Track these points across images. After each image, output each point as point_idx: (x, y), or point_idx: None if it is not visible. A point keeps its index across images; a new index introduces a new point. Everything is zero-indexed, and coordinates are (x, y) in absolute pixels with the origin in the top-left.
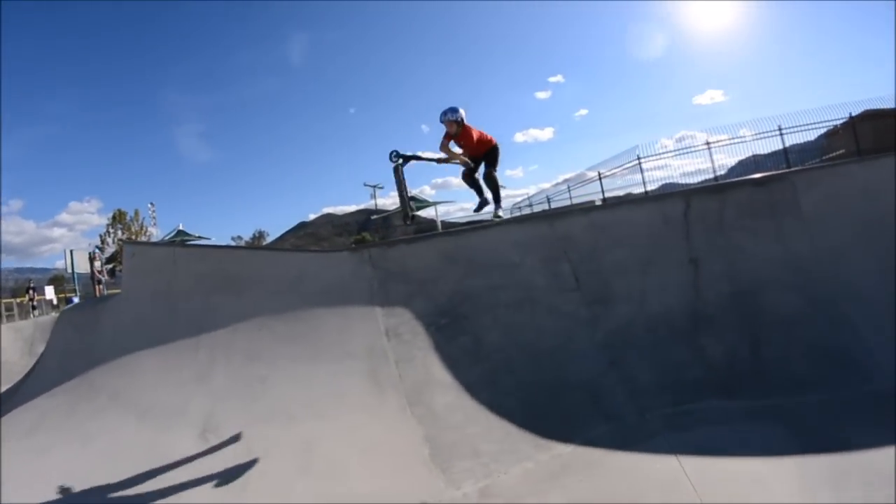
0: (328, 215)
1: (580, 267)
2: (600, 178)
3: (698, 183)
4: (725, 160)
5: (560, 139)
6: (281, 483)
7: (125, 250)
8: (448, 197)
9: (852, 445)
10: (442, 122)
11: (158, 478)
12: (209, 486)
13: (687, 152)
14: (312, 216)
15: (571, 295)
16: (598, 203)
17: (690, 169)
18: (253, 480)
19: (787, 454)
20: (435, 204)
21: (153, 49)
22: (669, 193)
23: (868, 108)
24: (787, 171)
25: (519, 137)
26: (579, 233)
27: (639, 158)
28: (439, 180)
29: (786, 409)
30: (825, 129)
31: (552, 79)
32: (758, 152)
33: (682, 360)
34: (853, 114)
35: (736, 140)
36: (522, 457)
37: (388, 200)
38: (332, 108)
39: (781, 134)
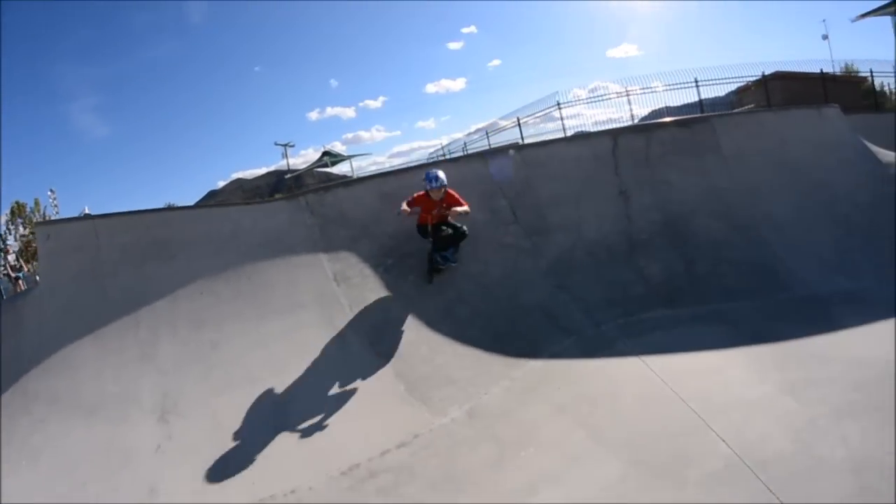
0: (238, 181)
1: (517, 201)
2: (519, 125)
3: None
4: (638, 111)
5: (472, 89)
6: (263, 450)
7: (38, 234)
8: (360, 150)
9: (785, 337)
10: (433, 187)
11: (124, 478)
12: (186, 470)
13: (604, 99)
14: (222, 183)
15: (511, 228)
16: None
17: (603, 118)
18: (232, 453)
19: (735, 347)
20: (350, 157)
21: (34, 23)
22: (598, 132)
23: (778, 69)
24: (708, 115)
25: (430, 88)
26: (512, 168)
27: (559, 104)
28: (350, 135)
29: (724, 313)
30: (737, 86)
31: (465, 29)
32: (670, 104)
33: (625, 279)
34: (765, 73)
35: (649, 90)
36: (498, 377)
37: (300, 160)
38: (236, 68)
39: (697, 86)
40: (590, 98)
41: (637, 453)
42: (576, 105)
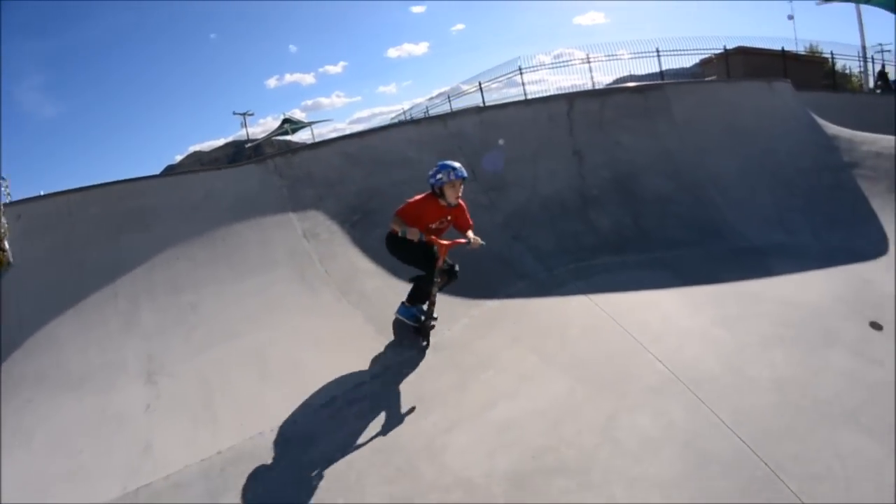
0: (196, 154)
1: (474, 160)
2: (481, 89)
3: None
4: (602, 78)
5: (435, 54)
6: (248, 395)
7: (6, 216)
8: (320, 117)
9: (722, 279)
10: (454, 179)
11: (119, 441)
12: (177, 424)
13: (566, 65)
14: (179, 157)
15: (468, 185)
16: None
17: (567, 84)
18: (220, 401)
19: (674, 287)
20: (311, 124)
21: None
22: (554, 95)
23: (742, 44)
24: (662, 82)
25: (392, 53)
26: (471, 130)
27: (520, 69)
28: (309, 102)
29: (667, 260)
30: (700, 58)
31: None
32: (636, 72)
33: (577, 230)
34: (727, 47)
35: (614, 58)
36: (459, 315)
37: (259, 129)
38: (190, 36)
39: (658, 56)
40: (553, 64)
41: (583, 372)
42: (538, 70)
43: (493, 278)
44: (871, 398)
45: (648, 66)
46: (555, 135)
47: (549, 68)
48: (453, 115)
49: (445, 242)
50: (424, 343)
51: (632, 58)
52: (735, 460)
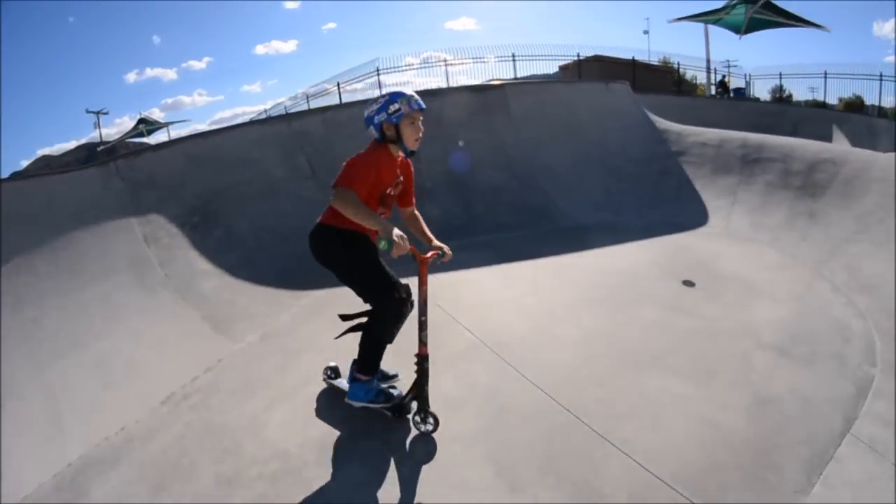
0: (45, 158)
1: (315, 158)
2: (339, 89)
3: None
4: (467, 81)
5: (304, 52)
6: (94, 403)
7: None
8: (180, 116)
9: (542, 254)
10: (414, 109)
11: None
12: (30, 442)
13: (428, 67)
14: (25, 163)
15: (309, 182)
16: None
17: (433, 85)
18: (67, 414)
19: (494, 265)
20: (168, 125)
21: None
22: (432, 99)
23: (597, 53)
24: (503, 83)
25: (260, 50)
26: (314, 129)
27: (377, 71)
28: (170, 100)
29: (493, 242)
30: (559, 64)
31: None
32: (502, 76)
33: None
34: (580, 54)
35: (480, 60)
36: (287, 306)
37: (115, 129)
38: (47, 20)
39: (514, 60)
40: (419, 65)
41: (396, 345)
42: (398, 72)
43: (322, 269)
44: (679, 343)
45: (511, 71)
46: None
47: (408, 70)
48: (298, 114)
49: (427, 256)
50: (428, 421)
51: (498, 61)
52: (536, 411)
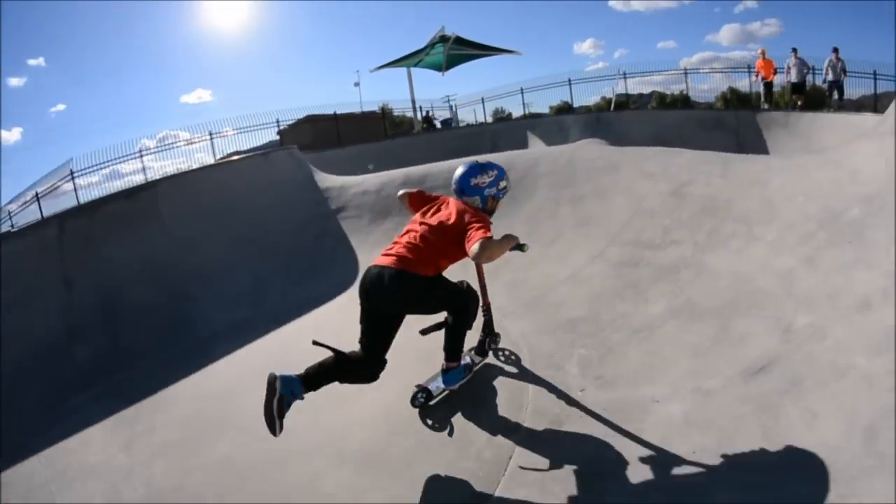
0: None
1: None
2: (38, 199)
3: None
4: (206, 158)
5: (29, 142)
6: None
7: None
8: None
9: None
10: (503, 196)
11: None
12: None
13: (167, 149)
14: None
15: None
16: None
17: (172, 169)
18: None
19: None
20: None
21: None
22: (46, 219)
23: (310, 113)
24: (154, 181)
25: None
26: None
27: (72, 174)
28: None
29: (122, 385)
30: (276, 130)
31: (33, 61)
32: (253, 144)
33: (62, 374)
34: (297, 117)
35: (218, 135)
36: None
37: None
38: None
39: (279, 125)
40: (157, 148)
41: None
42: (101, 167)
43: None
44: None
45: (262, 138)
46: (46, 265)
47: (104, 166)
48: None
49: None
50: (497, 340)
51: (239, 132)
52: None
